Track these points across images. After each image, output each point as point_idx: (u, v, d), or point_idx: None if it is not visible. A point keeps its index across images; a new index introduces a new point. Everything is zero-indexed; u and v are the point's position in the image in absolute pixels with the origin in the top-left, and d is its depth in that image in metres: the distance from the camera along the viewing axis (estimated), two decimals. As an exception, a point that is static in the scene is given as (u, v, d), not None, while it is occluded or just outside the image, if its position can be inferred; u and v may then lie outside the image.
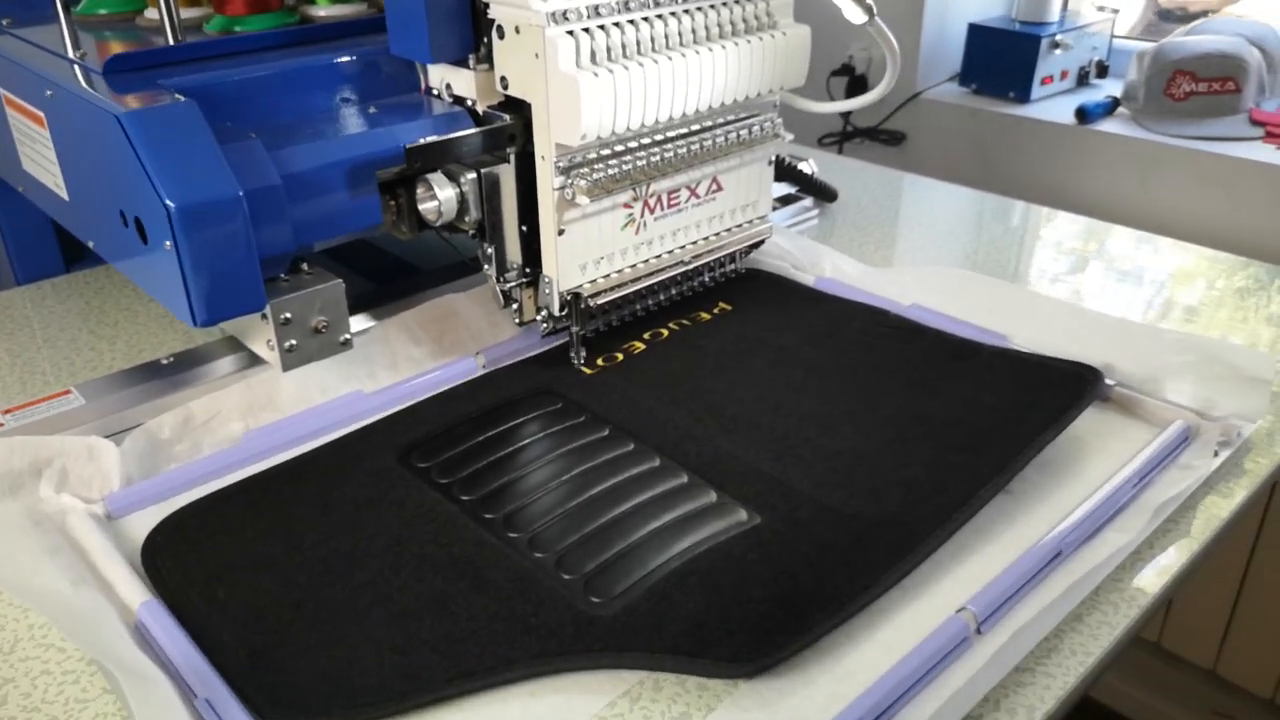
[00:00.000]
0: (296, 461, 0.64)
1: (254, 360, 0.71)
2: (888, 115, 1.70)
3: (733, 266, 0.85)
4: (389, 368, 0.73)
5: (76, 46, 0.70)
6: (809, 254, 0.90)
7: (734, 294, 0.83)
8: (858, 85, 1.70)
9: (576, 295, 0.71)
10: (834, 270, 0.88)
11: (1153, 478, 0.61)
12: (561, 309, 0.71)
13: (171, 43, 0.68)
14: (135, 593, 0.52)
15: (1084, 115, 1.48)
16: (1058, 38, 1.54)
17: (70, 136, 0.64)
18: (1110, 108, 1.51)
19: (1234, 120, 1.41)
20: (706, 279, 0.83)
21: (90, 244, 0.68)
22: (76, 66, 0.67)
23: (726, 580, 0.52)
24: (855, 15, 0.70)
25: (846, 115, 1.73)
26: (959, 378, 0.70)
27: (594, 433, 0.66)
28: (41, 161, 0.71)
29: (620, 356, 0.75)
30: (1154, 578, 0.55)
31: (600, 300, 0.72)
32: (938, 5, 1.67)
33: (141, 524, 0.58)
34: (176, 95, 0.59)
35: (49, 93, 0.64)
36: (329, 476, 0.62)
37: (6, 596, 0.55)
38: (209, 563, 0.55)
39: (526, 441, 0.65)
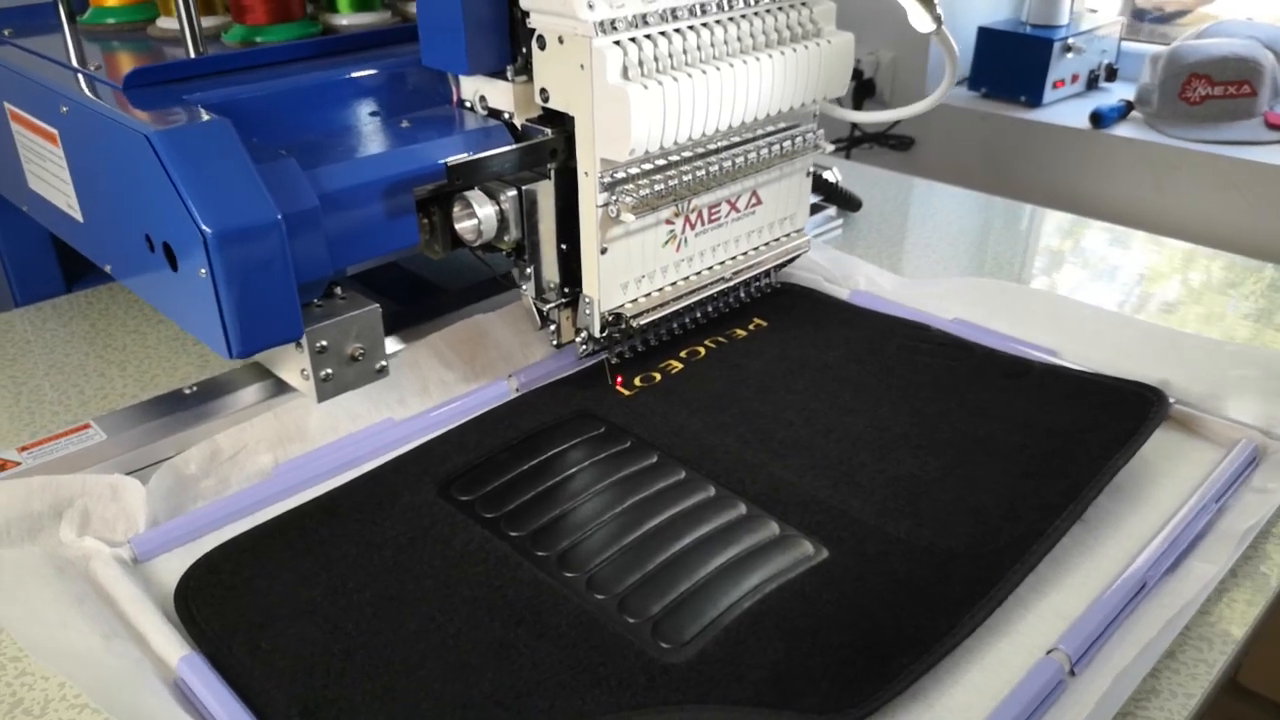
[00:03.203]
0: (330, 496, 0.60)
1: (280, 388, 0.68)
2: (896, 120, 1.67)
3: (767, 281, 0.82)
4: (420, 393, 0.69)
5: (84, 59, 0.67)
6: (840, 266, 0.87)
7: (769, 310, 0.81)
8: (866, 90, 1.67)
9: (618, 315, 0.68)
10: (868, 283, 0.85)
11: (1227, 502, 0.59)
12: (602, 330, 0.68)
13: (193, 55, 0.64)
14: (172, 645, 0.48)
15: (1099, 119, 1.46)
16: (1069, 41, 1.52)
17: (88, 155, 0.60)
18: (1124, 112, 1.49)
19: (1249, 124, 1.39)
20: (741, 294, 0.80)
21: (106, 268, 0.64)
22: (92, 81, 0.63)
23: (803, 623, 0.50)
24: (923, 24, 0.68)
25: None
26: (1013, 397, 0.68)
27: (642, 460, 0.63)
28: (52, 180, 0.67)
29: (658, 376, 0.72)
30: (1242, 609, 0.53)
31: (642, 320, 0.69)
32: (946, 8, 1.63)
33: (170, 567, 0.55)
34: (204, 112, 0.56)
35: (64, 109, 0.61)
36: (367, 512, 0.59)
37: (32, 650, 0.51)
38: (248, 610, 0.52)
39: (573, 470, 0.62)
